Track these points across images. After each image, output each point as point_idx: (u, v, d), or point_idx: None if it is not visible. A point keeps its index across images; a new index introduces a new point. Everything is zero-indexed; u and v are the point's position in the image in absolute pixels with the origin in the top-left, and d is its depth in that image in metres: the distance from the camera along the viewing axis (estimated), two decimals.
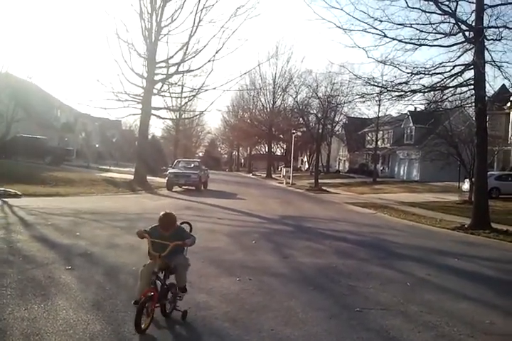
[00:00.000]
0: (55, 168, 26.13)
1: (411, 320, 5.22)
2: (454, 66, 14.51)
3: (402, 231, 13.89)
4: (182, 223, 5.01)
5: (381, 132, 47.17)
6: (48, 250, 7.41)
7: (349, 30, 14.68)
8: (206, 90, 26.32)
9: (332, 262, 8.26)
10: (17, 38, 61.31)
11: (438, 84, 14.98)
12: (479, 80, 14.05)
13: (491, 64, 13.73)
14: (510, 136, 29.38)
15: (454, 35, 14.34)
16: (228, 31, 24.83)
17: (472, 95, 14.75)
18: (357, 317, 5.17)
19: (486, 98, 14.87)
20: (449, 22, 14.32)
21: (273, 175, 56.14)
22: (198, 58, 32.33)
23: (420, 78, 14.82)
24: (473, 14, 14.04)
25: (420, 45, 14.60)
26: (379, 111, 41.82)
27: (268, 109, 56.85)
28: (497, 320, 5.44)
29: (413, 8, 14.32)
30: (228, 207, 16.99)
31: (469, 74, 14.61)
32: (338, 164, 64.32)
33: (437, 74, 14.68)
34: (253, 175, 61.77)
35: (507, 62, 13.72)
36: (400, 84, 14.87)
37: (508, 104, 20.54)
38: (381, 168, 49.49)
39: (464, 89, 15.10)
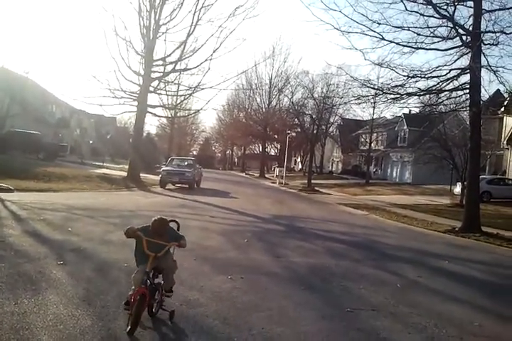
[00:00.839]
0: (48, 163, 25.92)
1: (401, 321, 5.25)
2: (450, 70, 14.61)
3: (393, 232, 13.96)
4: (170, 221, 4.89)
5: (375, 134, 47.31)
6: (39, 245, 7.35)
7: (347, 32, 14.76)
8: (203, 89, 26.30)
9: (324, 262, 8.30)
10: (14, 33, 60.98)
11: (434, 88, 15.07)
12: (475, 84, 14.13)
13: (487, 68, 13.80)
14: (503, 140, 29.55)
15: (451, 39, 14.43)
16: (226, 31, 24.76)
17: (467, 99, 14.82)
18: (348, 318, 5.20)
19: (481, 102, 14.97)
20: (447, 26, 14.42)
21: (266, 175, 56.07)
22: (195, 57, 32.14)
23: (416, 81, 14.93)
24: (471, 19, 14.12)
25: (417, 48, 14.70)
26: (374, 113, 42.05)
27: (263, 109, 56.80)
28: (486, 322, 5.50)
29: (411, 11, 14.40)
30: (221, 205, 16.97)
31: (465, 78, 14.72)
32: (332, 165, 64.42)
33: (433, 77, 14.78)
34: (246, 174, 61.72)
35: (503, 67, 13.74)
36: (396, 86, 14.96)
37: (502, 109, 20.65)
38: (374, 170, 49.64)
39: (460, 93, 15.24)
